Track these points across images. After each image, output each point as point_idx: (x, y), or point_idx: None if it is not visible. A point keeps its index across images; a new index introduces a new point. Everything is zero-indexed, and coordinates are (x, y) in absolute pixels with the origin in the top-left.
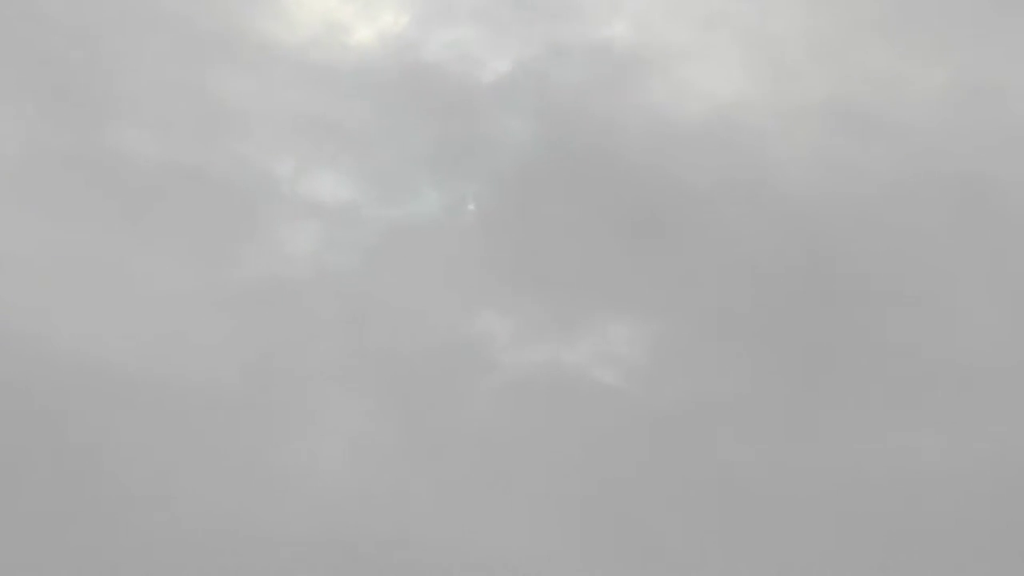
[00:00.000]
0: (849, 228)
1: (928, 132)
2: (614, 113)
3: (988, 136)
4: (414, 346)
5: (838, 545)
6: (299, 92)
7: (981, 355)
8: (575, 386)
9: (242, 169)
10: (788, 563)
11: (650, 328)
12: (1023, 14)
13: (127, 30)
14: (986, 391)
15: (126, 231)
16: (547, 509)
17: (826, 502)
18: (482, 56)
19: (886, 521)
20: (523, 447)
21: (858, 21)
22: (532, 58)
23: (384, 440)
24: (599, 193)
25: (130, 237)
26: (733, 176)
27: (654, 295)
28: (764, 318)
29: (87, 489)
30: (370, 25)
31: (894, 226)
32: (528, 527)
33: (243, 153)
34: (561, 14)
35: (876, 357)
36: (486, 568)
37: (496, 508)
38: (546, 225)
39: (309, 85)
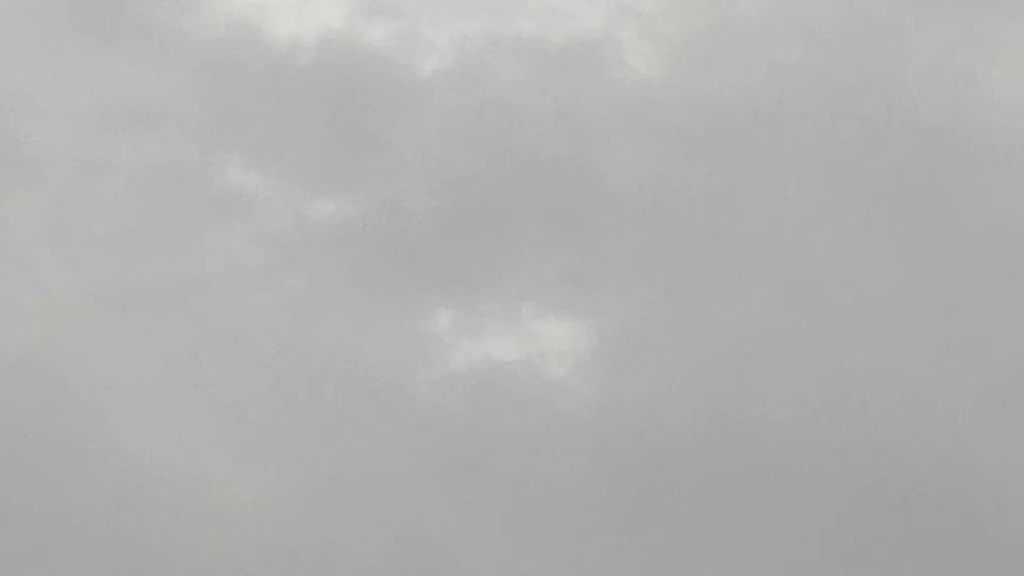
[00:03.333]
0: (762, 216)
1: (837, 126)
2: (531, 108)
3: (898, 129)
4: (350, 345)
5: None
6: (218, 87)
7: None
8: (518, 381)
9: (156, 165)
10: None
11: (591, 323)
12: (931, 9)
13: (32, 23)
14: None
15: (35, 228)
16: (490, 505)
17: (781, 490)
18: (397, 54)
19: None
20: (466, 444)
21: (767, 16)
22: (445, 56)
23: (315, 439)
24: (522, 188)
25: (39, 234)
26: (647, 169)
27: (590, 289)
28: (693, 306)
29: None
30: (294, 21)
31: (805, 215)
32: (471, 524)
33: (156, 148)
34: (471, 10)
35: (803, 337)
36: (427, 569)
37: (438, 504)
38: (477, 220)
39: (229, 80)
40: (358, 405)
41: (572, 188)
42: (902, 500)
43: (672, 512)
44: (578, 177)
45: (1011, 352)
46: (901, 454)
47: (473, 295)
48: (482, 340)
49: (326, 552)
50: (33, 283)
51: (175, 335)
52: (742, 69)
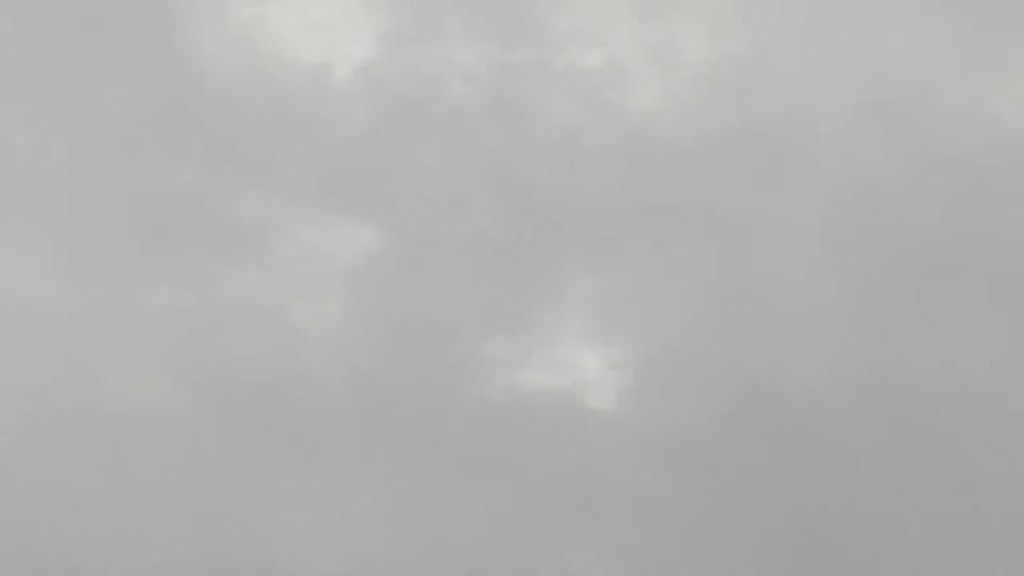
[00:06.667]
0: (769, 239)
1: (837, 157)
2: (526, 131)
3: (903, 159)
4: (398, 369)
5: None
6: (229, 117)
7: None
8: (564, 409)
9: (165, 189)
10: None
11: (628, 351)
12: (951, 36)
13: (40, 50)
14: None
15: (39, 256)
16: (536, 530)
17: (814, 517)
18: (417, 85)
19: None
20: (512, 472)
21: (766, 47)
22: (441, 78)
23: (360, 466)
24: (551, 216)
25: (43, 262)
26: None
27: (627, 316)
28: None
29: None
30: (312, 48)
31: (813, 240)
32: (517, 549)
33: (163, 177)
34: (471, 36)
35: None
36: None
37: (485, 530)
38: (504, 251)
39: (241, 108)
40: (418, 427)
41: (602, 216)
42: None
43: (723, 540)
44: (607, 205)
45: None
46: None
47: (506, 325)
48: (519, 368)
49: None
50: (41, 311)
51: (184, 365)
52: (741, 99)
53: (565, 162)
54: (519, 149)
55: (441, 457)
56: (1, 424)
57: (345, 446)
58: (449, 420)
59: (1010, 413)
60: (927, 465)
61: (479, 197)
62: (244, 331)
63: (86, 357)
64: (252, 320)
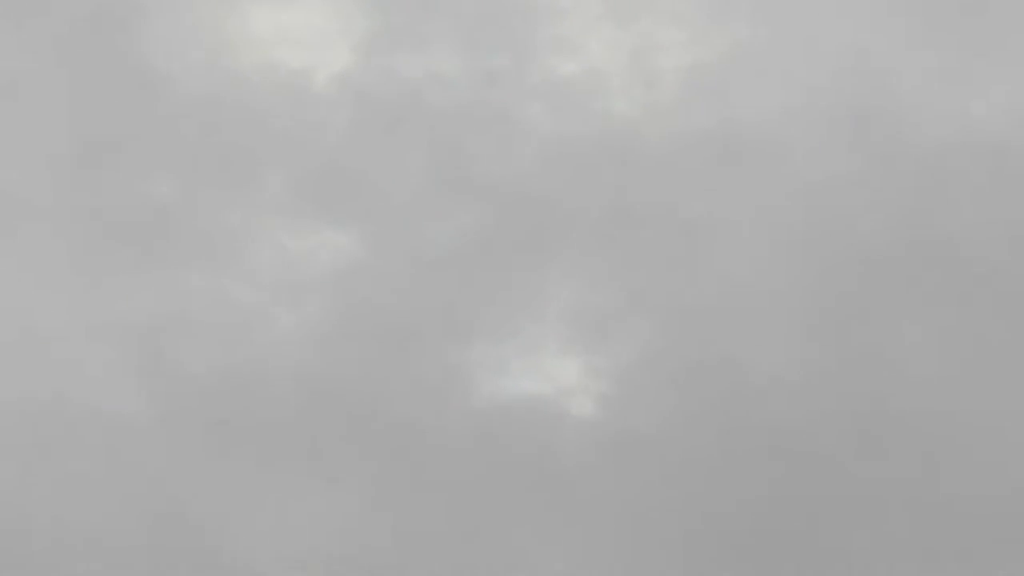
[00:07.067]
0: (751, 245)
1: (815, 160)
2: (539, 142)
3: (878, 163)
4: (384, 378)
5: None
6: (192, 120)
7: None
8: (547, 415)
9: (135, 201)
10: None
11: (609, 360)
12: (920, 46)
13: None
14: None
15: (17, 267)
16: (516, 535)
17: (795, 520)
18: (369, 83)
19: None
20: (493, 477)
21: (743, 51)
22: (420, 85)
23: (340, 472)
24: (533, 224)
25: (22, 273)
26: (630, 201)
27: (609, 323)
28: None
29: None
30: (291, 54)
31: (794, 247)
32: (496, 555)
33: (138, 184)
34: (448, 42)
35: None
36: None
37: (465, 535)
38: (487, 257)
39: (214, 116)
40: (403, 435)
41: (583, 222)
42: None
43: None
44: (588, 211)
45: None
46: None
47: (487, 332)
48: (502, 377)
49: None
50: (19, 321)
51: (159, 369)
52: (719, 103)
53: (545, 169)
54: (499, 155)
55: (422, 463)
56: None
57: (325, 452)
58: (430, 427)
59: (979, 407)
60: (902, 467)
61: (459, 204)
62: (221, 336)
63: (58, 362)
64: (230, 325)
